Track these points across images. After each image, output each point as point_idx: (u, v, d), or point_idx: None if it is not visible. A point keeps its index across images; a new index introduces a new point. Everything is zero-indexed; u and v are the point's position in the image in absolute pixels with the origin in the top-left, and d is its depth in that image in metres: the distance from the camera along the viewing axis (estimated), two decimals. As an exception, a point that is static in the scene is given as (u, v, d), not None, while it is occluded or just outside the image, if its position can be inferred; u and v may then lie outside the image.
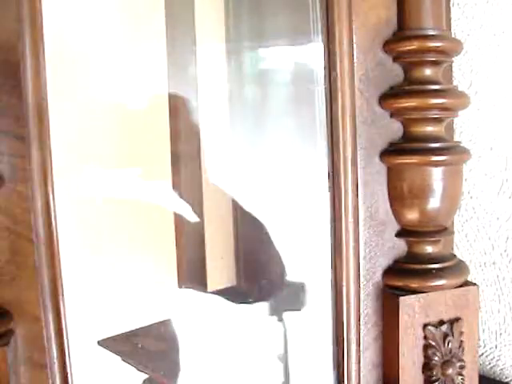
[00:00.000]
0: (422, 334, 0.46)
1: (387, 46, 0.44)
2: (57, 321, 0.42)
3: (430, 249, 0.46)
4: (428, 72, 0.44)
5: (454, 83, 0.62)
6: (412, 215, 0.45)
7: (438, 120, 0.44)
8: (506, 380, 0.63)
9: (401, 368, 0.47)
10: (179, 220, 0.72)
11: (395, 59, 0.45)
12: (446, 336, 0.46)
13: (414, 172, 0.44)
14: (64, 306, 0.42)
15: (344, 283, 0.48)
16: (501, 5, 0.58)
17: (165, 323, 0.72)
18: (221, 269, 0.76)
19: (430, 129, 0.44)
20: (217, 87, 0.74)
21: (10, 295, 0.41)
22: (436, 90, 0.43)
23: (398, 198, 0.45)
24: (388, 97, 0.44)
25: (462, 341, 0.46)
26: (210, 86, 0.74)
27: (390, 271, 0.47)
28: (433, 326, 0.46)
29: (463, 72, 0.61)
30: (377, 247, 0.48)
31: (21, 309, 0.41)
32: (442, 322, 0.46)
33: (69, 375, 0.42)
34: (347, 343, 0.48)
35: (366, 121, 0.46)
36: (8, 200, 0.40)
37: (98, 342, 0.68)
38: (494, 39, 0.59)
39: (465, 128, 0.62)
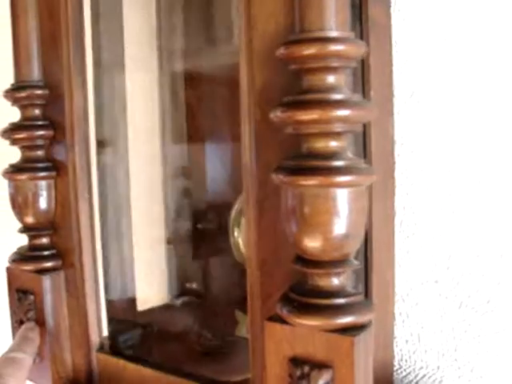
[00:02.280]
0: (289, 371, 0.41)
1: (282, 51, 0.38)
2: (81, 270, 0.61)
3: (327, 281, 0.40)
4: (330, 79, 0.37)
5: (395, 92, 0.57)
6: (314, 243, 0.39)
7: (340, 134, 0.38)
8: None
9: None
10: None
11: (292, 66, 0.39)
12: (302, 378, 0.40)
13: (315, 194, 0.37)
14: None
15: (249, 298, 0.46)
16: (444, 9, 0.53)
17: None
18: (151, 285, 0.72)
19: (332, 144, 0.38)
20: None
21: (61, 244, 0.62)
22: (339, 101, 0.37)
23: (296, 223, 0.39)
24: (283, 109, 0.38)
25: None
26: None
27: (281, 297, 0.42)
28: (295, 363, 0.40)
29: (404, 80, 0.56)
30: (275, 268, 0.44)
31: (67, 255, 0.62)
32: (304, 362, 0.40)
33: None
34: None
35: (265, 136, 0.40)
36: (62, 185, 0.61)
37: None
38: (437, 46, 0.54)
39: (406, 140, 0.57)
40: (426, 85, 0.55)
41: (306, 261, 0.40)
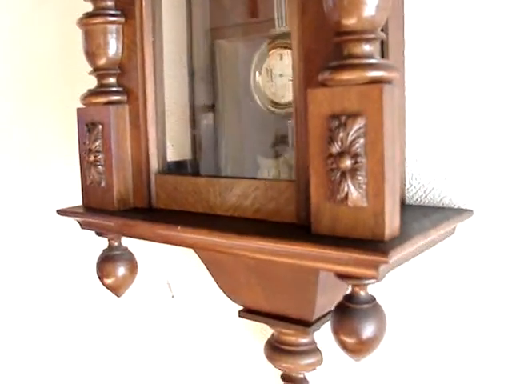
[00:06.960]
0: (328, 126, 0.48)
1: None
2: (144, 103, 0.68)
3: (359, 48, 0.47)
4: None
5: None
6: (351, 19, 0.46)
7: None
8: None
9: (311, 156, 0.49)
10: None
11: None
12: (339, 127, 0.46)
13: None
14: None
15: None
16: None
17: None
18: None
19: None
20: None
21: (127, 83, 0.70)
22: None
23: (334, 7, 0.46)
24: None
25: (360, 138, 0.46)
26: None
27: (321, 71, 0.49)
28: (333, 117, 0.47)
29: None
30: (316, 55, 0.52)
31: (131, 91, 0.69)
32: (341, 115, 0.47)
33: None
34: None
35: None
36: (129, 30, 0.69)
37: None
38: None
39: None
40: None
41: (344, 33, 0.47)
